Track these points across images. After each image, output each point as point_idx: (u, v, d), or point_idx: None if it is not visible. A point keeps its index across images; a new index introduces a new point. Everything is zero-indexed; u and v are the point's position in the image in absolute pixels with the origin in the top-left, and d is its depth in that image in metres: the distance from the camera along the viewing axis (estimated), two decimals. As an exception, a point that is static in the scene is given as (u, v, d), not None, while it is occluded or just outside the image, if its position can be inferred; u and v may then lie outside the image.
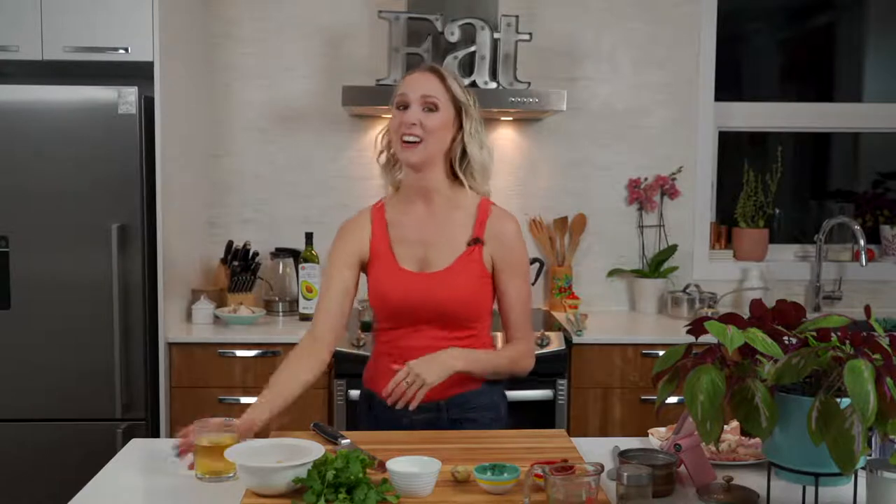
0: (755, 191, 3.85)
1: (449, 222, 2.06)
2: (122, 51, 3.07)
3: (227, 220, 3.74)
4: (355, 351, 3.07)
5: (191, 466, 1.78)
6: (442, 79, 2.02)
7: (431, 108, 1.99)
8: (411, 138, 1.98)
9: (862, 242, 3.57)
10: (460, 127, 2.04)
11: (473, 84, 3.30)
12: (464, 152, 2.04)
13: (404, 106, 2.01)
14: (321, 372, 2.08)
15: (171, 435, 3.14)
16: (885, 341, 1.44)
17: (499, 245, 2.04)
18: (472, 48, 3.31)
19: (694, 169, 3.81)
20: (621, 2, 3.75)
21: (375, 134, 2.14)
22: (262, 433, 1.92)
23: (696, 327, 1.59)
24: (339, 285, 2.09)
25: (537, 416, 3.10)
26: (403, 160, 2.02)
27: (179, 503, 1.69)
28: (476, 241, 2.03)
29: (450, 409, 2.04)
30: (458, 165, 2.05)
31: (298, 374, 2.03)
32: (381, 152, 2.11)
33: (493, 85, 3.33)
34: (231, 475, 1.73)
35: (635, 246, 3.83)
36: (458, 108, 2.03)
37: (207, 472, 1.76)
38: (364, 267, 2.11)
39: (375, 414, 2.10)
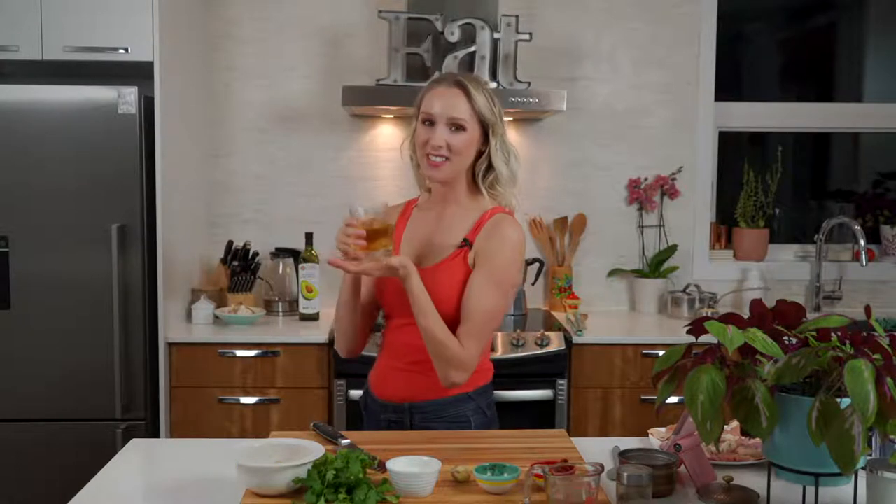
0: (755, 191, 3.85)
1: (454, 225, 2.04)
2: (122, 51, 3.07)
3: (227, 220, 3.74)
4: (355, 351, 3.07)
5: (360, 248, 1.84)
6: (468, 96, 1.99)
7: (458, 128, 1.98)
8: (438, 158, 1.98)
9: (862, 242, 3.57)
10: (485, 141, 2.02)
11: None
12: (489, 167, 2.03)
13: (430, 122, 1.99)
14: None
15: (170, 435, 3.15)
16: (885, 341, 1.44)
17: (483, 239, 1.99)
18: (472, 48, 3.31)
19: (694, 169, 3.81)
20: (621, 2, 3.75)
21: (401, 143, 2.13)
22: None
23: (696, 327, 1.59)
24: None
25: (537, 416, 3.10)
26: (429, 177, 2.04)
27: (179, 503, 1.69)
28: (465, 243, 2.00)
29: (413, 415, 2.03)
30: (481, 179, 2.04)
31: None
32: (412, 156, 2.11)
33: (493, 85, 3.33)
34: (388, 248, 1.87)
35: (635, 246, 3.83)
36: (484, 125, 2.01)
37: (378, 248, 1.85)
38: None
39: (367, 406, 2.15)
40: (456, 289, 1.97)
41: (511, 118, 3.68)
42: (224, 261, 3.59)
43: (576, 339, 3.20)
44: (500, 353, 3.11)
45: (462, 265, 1.99)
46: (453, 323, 1.95)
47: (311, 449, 1.68)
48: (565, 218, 3.77)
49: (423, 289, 1.91)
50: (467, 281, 1.97)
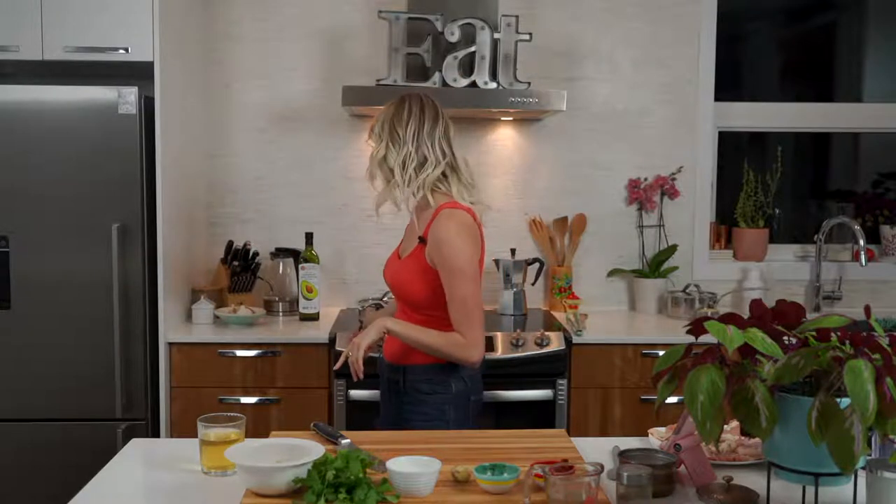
0: (755, 191, 3.85)
1: (418, 224, 2.34)
2: (122, 51, 3.07)
3: (227, 220, 3.74)
4: (355, 351, 3.07)
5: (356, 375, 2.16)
6: None
7: None
8: None
9: (862, 242, 3.57)
10: None
11: (473, 84, 3.30)
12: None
13: None
14: None
15: (171, 435, 3.15)
16: (885, 341, 1.44)
17: (433, 246, 2.24)
18: (472, 48, 3.31)
19: (694, 169, 3.81)
20: (621, 2, 3.75)
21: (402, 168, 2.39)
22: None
23: (696, 327, 1.59)
24: None
25: (537, 416, 3.10)
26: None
27: (179, 503, 1.69)
28: (420, 241, 2.29)
29: (406, 375, 2.30)
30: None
31: None
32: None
33: (493, 85, 3.33)
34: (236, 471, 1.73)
35: (635, 246, 3.83)
36: None
37: (213, 467, 1.77)
38: None
39: (379, 367, 2.45)
40: (408, 276, 2.29)
41: (511, 118, 3.68)
42: (224, 261, 3.59)
43: (576, 339, 3.20)
44: (500, 353, 3.11)
45: (420, 259, 2.27)
46: (414, 302, 2.29)
47: (311, 449, 1.68)
48: (565, 218, 3.77)
49: (404, 325, 2.25)
50: (426, 271, 2.25)
